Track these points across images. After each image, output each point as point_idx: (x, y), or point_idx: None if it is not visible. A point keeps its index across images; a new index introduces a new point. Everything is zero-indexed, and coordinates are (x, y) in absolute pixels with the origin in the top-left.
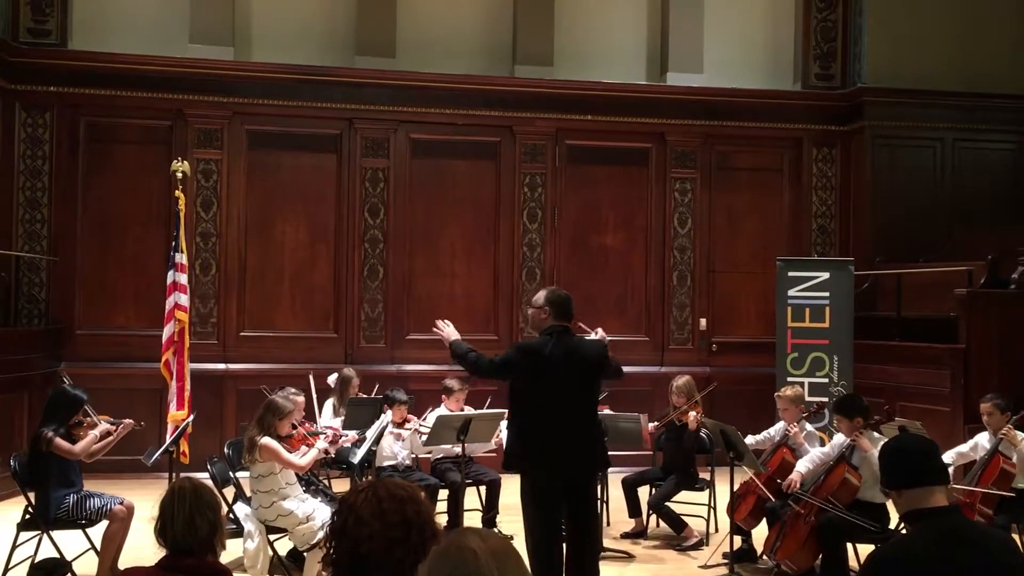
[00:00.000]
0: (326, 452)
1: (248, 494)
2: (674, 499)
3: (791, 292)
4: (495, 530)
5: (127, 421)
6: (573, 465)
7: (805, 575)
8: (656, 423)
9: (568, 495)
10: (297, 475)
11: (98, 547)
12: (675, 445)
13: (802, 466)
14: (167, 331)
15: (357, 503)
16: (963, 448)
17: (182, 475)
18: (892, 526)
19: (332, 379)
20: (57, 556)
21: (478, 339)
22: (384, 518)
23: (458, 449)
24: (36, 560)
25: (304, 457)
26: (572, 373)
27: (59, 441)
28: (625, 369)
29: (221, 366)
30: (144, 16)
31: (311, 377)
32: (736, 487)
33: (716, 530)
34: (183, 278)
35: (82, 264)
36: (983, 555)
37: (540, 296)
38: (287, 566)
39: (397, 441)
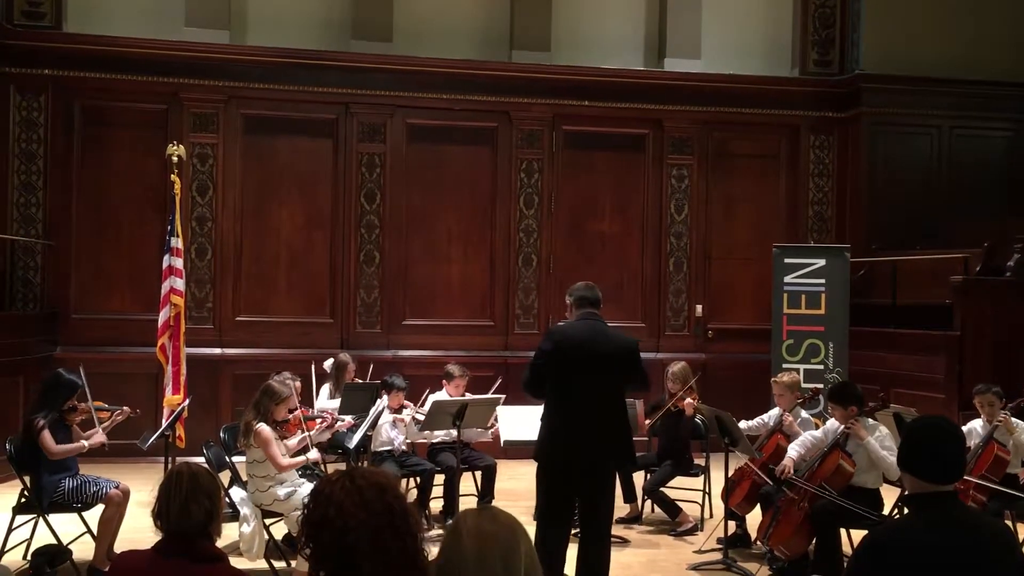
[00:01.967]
0: (316, 461)
1: (244, 478)
2: (669, 485)
3: (787, 279)
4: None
5: (124, 408)
6: (587, 456)
7: (798, 561)
8: (650, 420)
9: (581, 487)
10: None
11: (94, 531)
12: (670, 431)
13: (793, 451)
14: (163, 316)
15: (335, 493)
16: None
17: (181, 460)
18: (886, 512)
19: (328, 364)
20: (56, 543)
21: (474, 324)
22: (369, 507)
23: (455, 433)
24: (33, 544)
25: (288, 459)
26: (598, 361)
27: (45, 434)
28: None
29: (217, 351)
30: None
31: (312, 365)
32: (731, 473)
33: (711, 515)
34: (179, 262)
35: (77, 248)
36: (977, 542)
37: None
38: (283, 550)
39: (393, 427)
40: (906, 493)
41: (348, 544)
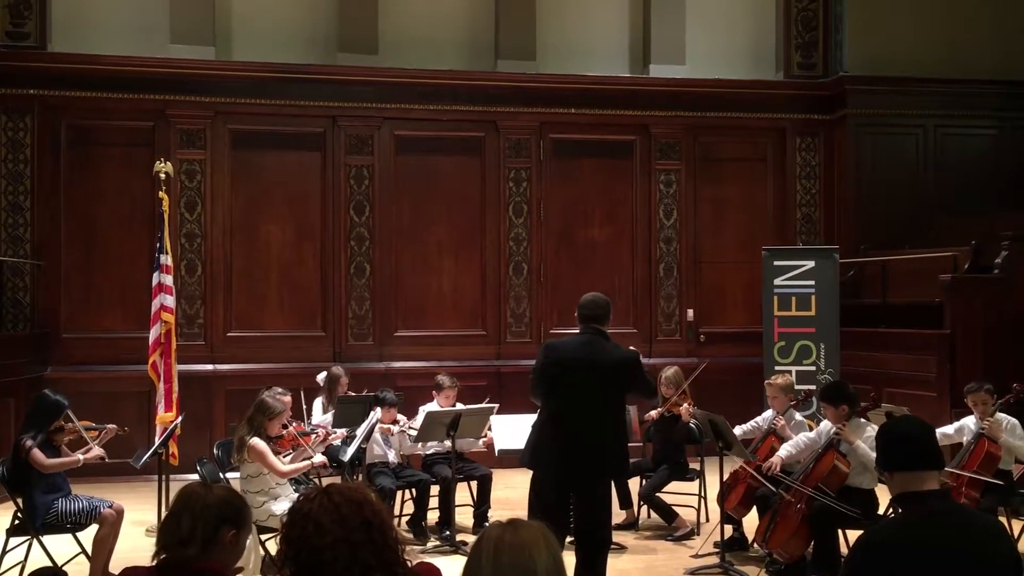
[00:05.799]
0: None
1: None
2: (665, 490)
3: (777, 281)
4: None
5: (110, 426)
6: (571, 467)
7: (796, 563)
8: (650, 414)
9: (575, 496)
10: None
11: (88, 551)
12: (665, 436)
13: (784, 450)
14: (153, 333)
15: (313, 511)
16: (947, 430)
17: (193, 479)
18: (881, 511)
19: (320, 378)
20: (51, 564)
21: (466, 334)
22: (345, 523)
23: (448, 444)
24: (28, 567)
25: (290, 465)
26: (588, 375)
27: (35, 452)
28: None
29: (209, 367)
30: (124, 17)
31: (301, 392)
32: (726, 476)
33: (707, 520)
34: (168, 279)
35: (66, 267)
36: (969, 539)
37: None
38: (279, 566)
39: (386, 440)
40: (896, 494)
41: (326, 561)
